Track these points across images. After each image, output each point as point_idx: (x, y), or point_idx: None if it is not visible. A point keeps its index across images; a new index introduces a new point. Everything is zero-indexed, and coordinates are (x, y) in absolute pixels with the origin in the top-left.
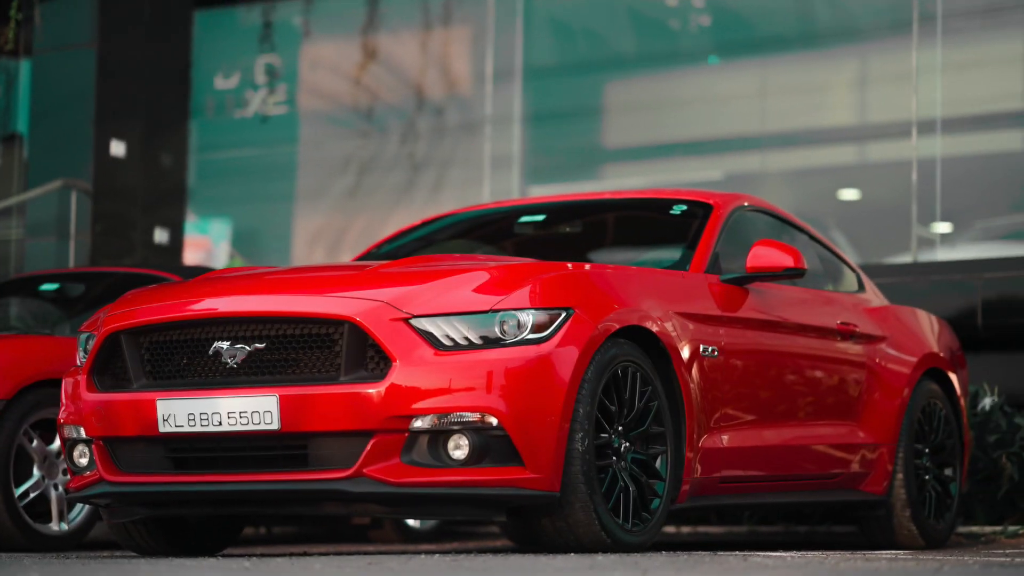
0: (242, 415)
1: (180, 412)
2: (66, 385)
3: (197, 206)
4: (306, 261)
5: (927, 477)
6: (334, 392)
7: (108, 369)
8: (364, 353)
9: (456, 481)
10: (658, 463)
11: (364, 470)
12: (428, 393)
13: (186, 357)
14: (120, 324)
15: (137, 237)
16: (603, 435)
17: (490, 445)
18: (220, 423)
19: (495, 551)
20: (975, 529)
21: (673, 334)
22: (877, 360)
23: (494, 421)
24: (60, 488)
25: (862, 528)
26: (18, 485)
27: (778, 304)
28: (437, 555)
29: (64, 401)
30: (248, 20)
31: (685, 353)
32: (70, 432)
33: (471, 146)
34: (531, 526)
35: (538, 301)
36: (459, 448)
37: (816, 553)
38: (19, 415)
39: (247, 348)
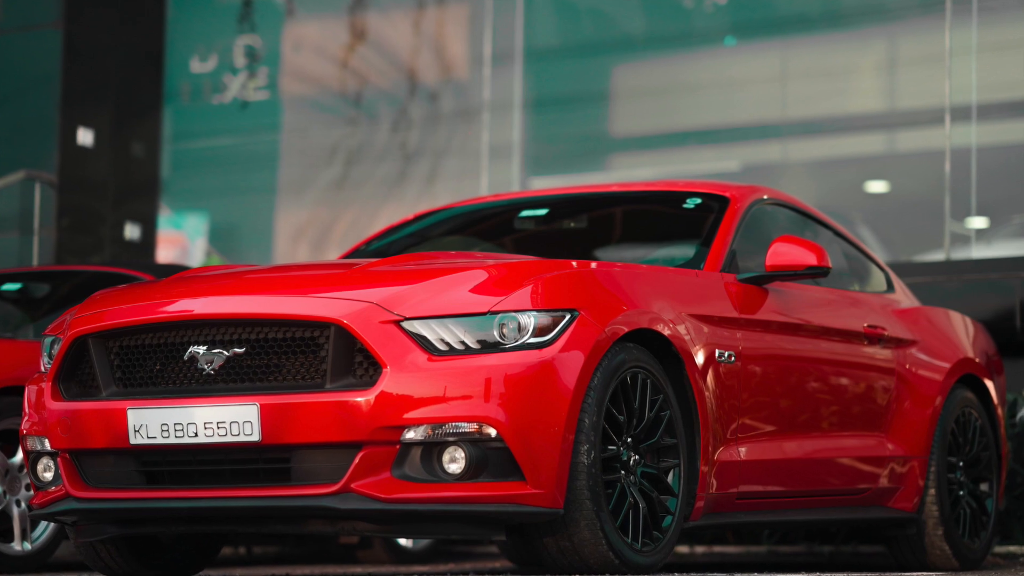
0: (220, 425)
1: (153, 422)
2: (29, 393)
3: (171, 199)
4: (289, 259)
5: (961, 493)
6: (319, 401)
7: (75, 376)
8: (352, 358)
9: (451, 497)
10: (670, 477)
11: (352, 485)
12: (421, 402)
13: (159, 363)
14: (88, 327)
15: (106, 233)
16: (611, 447)
17: (488, 458)
18: (196, 434)
19: (494, 573)
20: (1013, 549)
21: (686, 338)
22: (907, 366)
23: (493, 432)
24: (23, 504)
25: (891, 548)
26: None
27: (800, 305)
28: None
29: (27, 410)
30: None
31: (699, 358)
32: (34, 444)
33: (468, 134)
34: (533, 546)
35: (540, 302)
36: (455, 461)
37: (841, 575)
38: None
39: (225, 353)
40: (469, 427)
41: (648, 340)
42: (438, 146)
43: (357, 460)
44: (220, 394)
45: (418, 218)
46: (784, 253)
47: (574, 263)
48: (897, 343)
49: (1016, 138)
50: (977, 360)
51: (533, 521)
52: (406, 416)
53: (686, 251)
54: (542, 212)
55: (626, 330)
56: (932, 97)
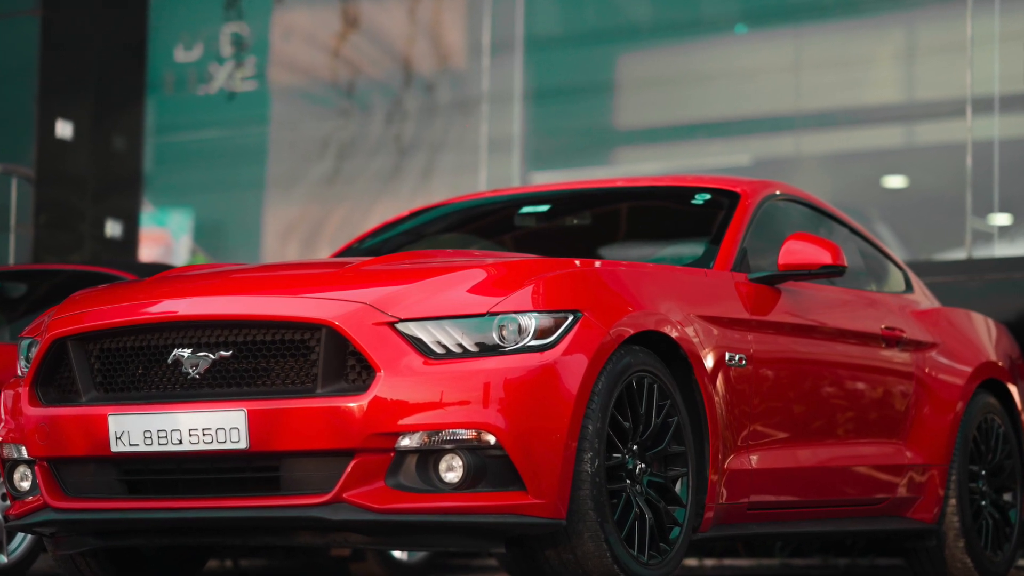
0: (205, 432)
1: (135, 429)
2: (5, 398)
3: (154, 195)
4: (278, 257)
5: (983, 503)
6: (310, 406)
7: (53, 380)
8: (344, 362)
9: (448, 507)
10: (678, 487)
11: (344, 495)
12: (417, 407)
13: (142, 366)
14: (67, 329)
15: (86, 230)
16: (615, 455)
17: (487, 466)
18: (180, 441)
19: None
20: None
21: (695, 340)
22: (927, 370)
23: (492, 439)
24: None
25: (909, 561)
26: None
27: (814, 306)
28: None
29: (3, 416)
30: None
31: (709, 362)
32: (10, 452)
33: (466, 127)
34: (534, 559)
35: (541, 303)
36: (452, 470)
37: None
38: None
39: (211, 356)
40: (467, 434)
41: (655, 343)
42: (434, 139)
43: (349, 468)
44: (206, 399)
45: (413, 215)
46: (797, 251)
47: (577, 262)
48: (916, 346)
49: None
50: (1000, 364)
51: (534, 532)
52: (401, 422)
53: (695, 249)
54: (543, 208)
55: (632, 332)
56: (953, 88)
